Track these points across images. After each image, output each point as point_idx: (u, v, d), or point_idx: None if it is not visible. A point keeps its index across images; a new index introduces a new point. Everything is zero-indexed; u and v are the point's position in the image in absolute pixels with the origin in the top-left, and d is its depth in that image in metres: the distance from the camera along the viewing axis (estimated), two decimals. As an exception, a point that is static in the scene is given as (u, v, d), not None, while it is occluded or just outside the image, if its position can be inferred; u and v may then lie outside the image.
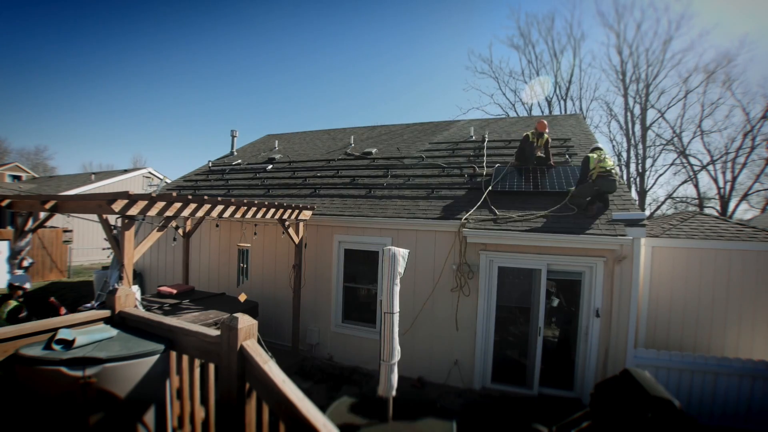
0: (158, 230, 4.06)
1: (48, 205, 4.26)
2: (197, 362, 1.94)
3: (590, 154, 5.73)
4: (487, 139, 8.75)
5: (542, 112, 25.85)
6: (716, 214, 18.79)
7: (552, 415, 4.73)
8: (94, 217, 3.98)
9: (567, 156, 7.23)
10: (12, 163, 27.89)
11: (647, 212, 21.51)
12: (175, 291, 5.83)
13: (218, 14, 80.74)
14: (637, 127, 23.20)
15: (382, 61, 79.07)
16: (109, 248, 10.61)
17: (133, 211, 3.69)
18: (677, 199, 22.28)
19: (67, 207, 4.37)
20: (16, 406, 1.69)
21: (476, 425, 4.61)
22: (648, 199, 22.78)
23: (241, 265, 5.52)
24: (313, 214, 6.64)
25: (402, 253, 4.02)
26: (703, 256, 5.51)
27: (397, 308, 3.99)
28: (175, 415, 2.05)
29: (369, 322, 6.41)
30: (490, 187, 6.36)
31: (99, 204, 3.71)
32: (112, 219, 3.84)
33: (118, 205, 3.57)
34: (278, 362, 1.53)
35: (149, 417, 1.84)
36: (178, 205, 4.12)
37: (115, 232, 3.95)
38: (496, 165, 7.16)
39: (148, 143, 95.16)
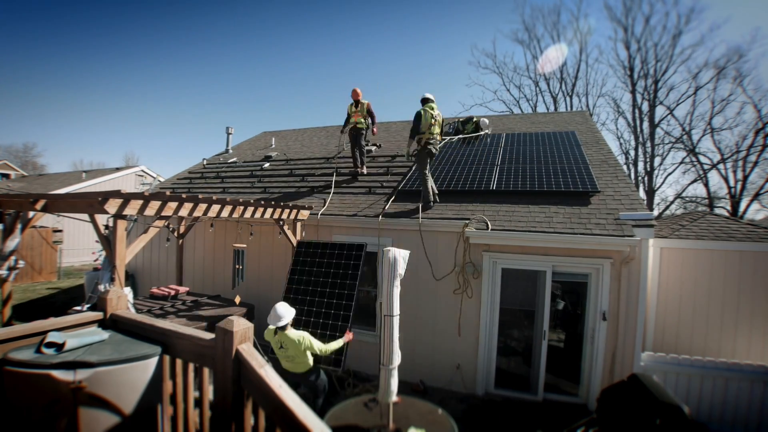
0: (151, 231, 3.93)
1: (38, 205, 4.14)
2: (191, 366, 1.88)
3: (422, 109, 5.81)
4: (489, 134, 8.61)
5: (547, 108, 25.67)
6: (727, 214, 18.51)
7: (557, 421, 4.61)
8: (85, 216, 3.86)
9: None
10: (0, 160, 27.78)
11: (655, 212, 21.25)
12: (168, 293, 5.70)
13: (213, 9, 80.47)
14: (645, 125, 22.93)
15: (382, 56, 78.84)
16: (99, 249, 10.52)
17: (127, 211, 3.57)
18: (686, 198, 21.96)
19: (58, 207, 4.24)
20: (3, 410, 1.62)
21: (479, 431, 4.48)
22: (656, 199, 22.46)
23: (237, 266, 5.38)
24: (311, 214, 6.50)
25: (402, 255, 3.88)
26: (713, 257, 5.38)
27: (397, 311, 3.86)
28: (169, 422, 1.98)
29: (368, 325, 6.28)
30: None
31: (90, 203, 3.60)
32: (103, 219, 3.72)
33: (110, 205, 3.45)
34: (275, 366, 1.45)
35: (142, 423, 1.78)
36: (173, 205, 4.00)
37: (106, 232, 3.83)
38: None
39: (140, 141, 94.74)
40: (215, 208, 4.50)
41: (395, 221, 5.94)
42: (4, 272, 4.70)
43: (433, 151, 5.93)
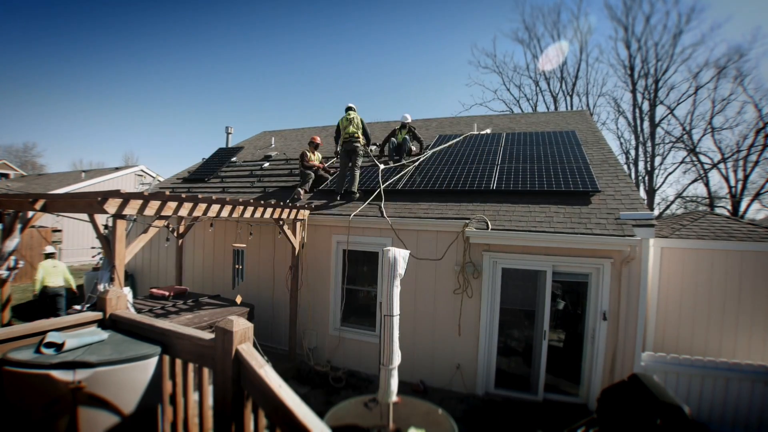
0: (151, 231, 3.92)
1: (37, 205, 4.13)
2: (191, 366, 1.87)
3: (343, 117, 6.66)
4: (489, 134, 8.60)
5: (547, 108, 25.65)
6: (727, 213, 18.41)
7: (557, 421, 4.60)
8: (85, 216, 3.86)
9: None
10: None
11: (656, 212, 21.19)
12: (168, 293, 5.69)
13: (213, 8, 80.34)
14: (646, 124, 22.85)
15: (382, 56, 78.71)
16: (99, 247, 10.47)
17: (126, 211, 3.57)
18: (687, 198, 21.88)
19: (57, 206, 4.24)
20: (3, 411, 1.62)
21: (479, 432, 4.47)
22: (657, 199, 22.38)
23: (237, 266, 5.37)
24: (310, 214, 6.49)
25: (402, 254, 3.87)
26: (713, 257, 5.36)
27: (397, 311, 3.85)
28: (168, 422, 1.98)
29: (368, 325, 6.27)
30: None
31: (90, 203, 3.59)
32: (102, 219, 3.71)
33: (110, 205, 3.44)
34: (274, 367, 1.47)
35: (141, 423, 1.78)
36: (172, 204, 4.00)
37: (105, 232, 3.82)
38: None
39: (140, 141, 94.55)
40: (215, 207, 4.49)
41: (401, 221, 5.92)
42: (4, 273, 4.69)
43: (351, 148, 6.67)
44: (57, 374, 1.57)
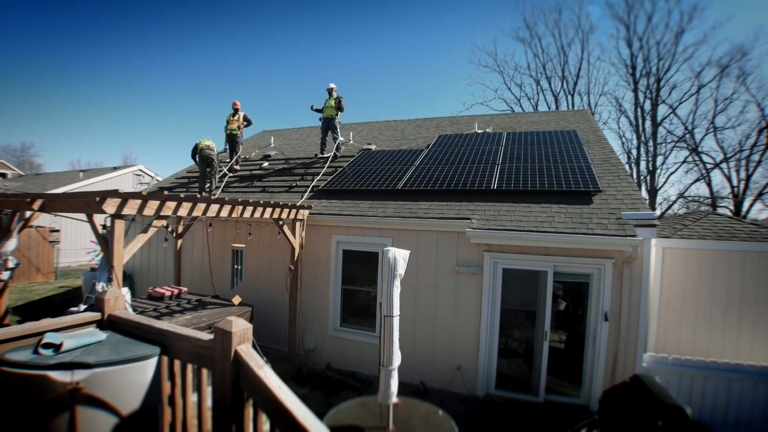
0: (149, 231, 3.90)
1: (35, 205, 4.12)
2: (190, 367, 1.86)
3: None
4: (490, 133, 8.58)
5: (549, 107, 25.63)
6: (729, 213, 18.35)
7: (558, 422, 4.58)
8: (83, 216, 3.84)
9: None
10: (-3, 160, 27.73)
11: (658, 212, 21.16)
12: (166, 293, 5.66)
13: (211, 7, 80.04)
14: (648, 124, 22.77)
15: (382, 55, 78.56)
16: (94, 249, 10.42)
17: (125, 210, 3.56)
18: (689, 198, 21.78)
19: (55, 206, 4.22)
20: (0, 412, 1.60)
21: (480, 433, 4.45)
22: (659, 198, 22.35)
23: (236, 266, 5.36)
24: (310, 214, 6.46)
25: (402, 255, 3.85)
26: (716, 258, 5.34)
27: (397, 311, 3.83)
28: (167, 423, 1.96)
29: (368, 326, 6.24)
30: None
31: (88, 203, 3.58)
32: (100, 218, 3.69)
33: (108, 205, 3.43)
34: (274, 367, 1.49)
35: (140, 424, 1.75)
36: (171, 204, 3.98)
37: (104, 232, 3.80)
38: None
39: (138, 140, 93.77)
40: (214, 207, 4.47)
41: (400, 221, 5.90)
42: (5, 275, 4.68)
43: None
44: (55, 375, 1.55)
